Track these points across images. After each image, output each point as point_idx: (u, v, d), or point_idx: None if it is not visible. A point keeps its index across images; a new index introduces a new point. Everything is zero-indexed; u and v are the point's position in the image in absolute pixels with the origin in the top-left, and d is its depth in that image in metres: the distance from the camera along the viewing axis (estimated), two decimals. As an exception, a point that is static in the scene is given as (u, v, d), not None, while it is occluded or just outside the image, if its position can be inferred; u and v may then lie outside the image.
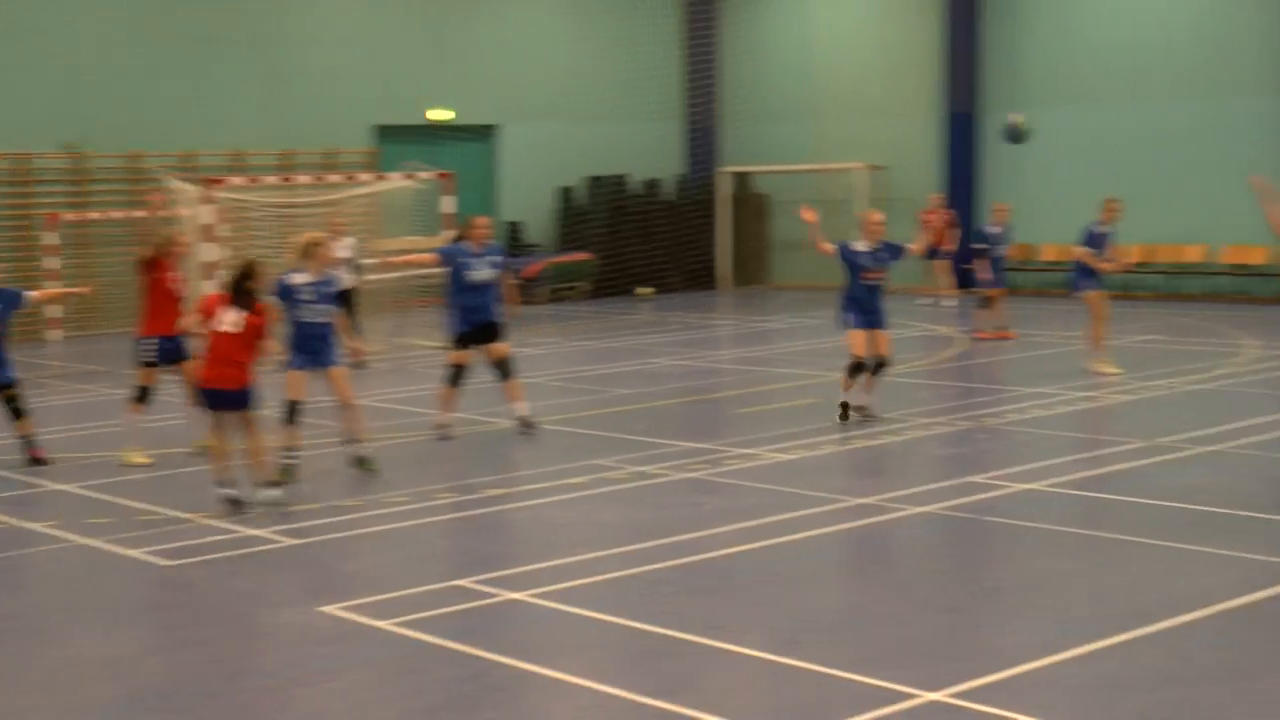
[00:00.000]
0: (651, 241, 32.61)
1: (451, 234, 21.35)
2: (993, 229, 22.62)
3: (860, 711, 6.84)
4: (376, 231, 22.44)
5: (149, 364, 13.62)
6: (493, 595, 8.98)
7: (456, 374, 14.58)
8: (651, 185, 33.15)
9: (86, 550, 10.40)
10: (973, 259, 22.38)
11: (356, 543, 10.58)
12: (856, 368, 14.68)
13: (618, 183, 32.52)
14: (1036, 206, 28.58)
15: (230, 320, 11.34)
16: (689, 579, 9.35)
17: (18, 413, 13.54)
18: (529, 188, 31.81)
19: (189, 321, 12.67)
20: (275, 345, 11.75)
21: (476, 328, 14.59)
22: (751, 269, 34.20)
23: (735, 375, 19.29)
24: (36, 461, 13.45)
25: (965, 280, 24.13)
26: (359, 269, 20.43)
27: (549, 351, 21.15)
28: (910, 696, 7.02)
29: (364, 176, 24.46)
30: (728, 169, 33.90)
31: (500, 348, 14.72)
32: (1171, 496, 11.21)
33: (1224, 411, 14.95)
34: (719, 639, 8.02)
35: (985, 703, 6.92)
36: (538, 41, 31.93)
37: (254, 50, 28.28)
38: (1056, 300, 28.61)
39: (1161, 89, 28.52)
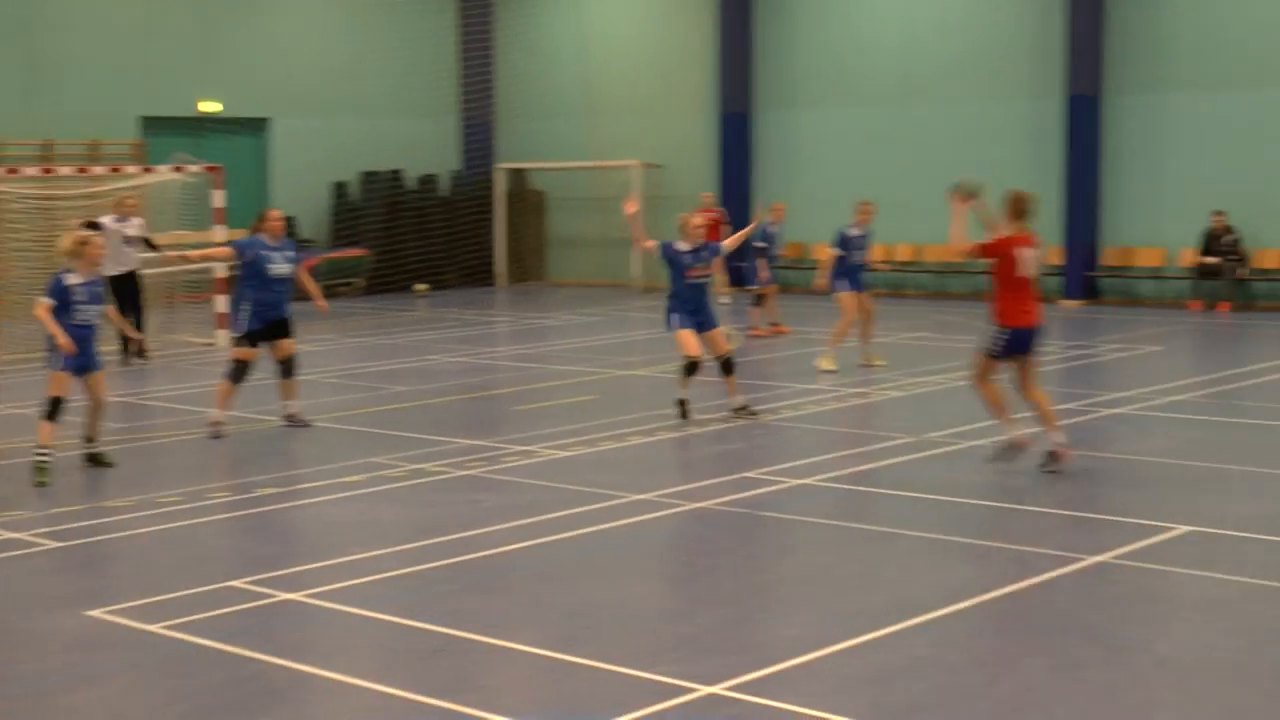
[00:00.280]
0: (428, 238, 32.38)
1: (223, 230, 20.99)
2: (771, 227, 22.96)
3: (638, 706, 6.89)
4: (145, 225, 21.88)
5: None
6: (267, 596, 8.83)
7: (240, 370, 14.32)
8: (427, 181, 32.93)
9: None
10: (755, 257, 22.65)
11: (124, 544, 10.31)
12: (691, 367, 14.56)
13: (393, 178, 32.23)
14: (809, 206, 29.03)
15: None
16: (467, 577, 9.31)
17: None
18: (302, 182, 31.29)
19: None
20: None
21: (269, 324, 14.35)
22: (528, 266, 34.19)
23: (513, 372, 19.26)
24: None
25: (738, 278, 24.45)
26: (153, 247, 19.96)
27: (324, 348, 20.87)
28: (687, 690, 7.09)
29: (130, 169, 23.82)
30: (504, 165, 33.84)
31: (288, 345, 14.50)
32: (939, 490, 11.52)
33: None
34: (497, 636, 8.01)
35: (760, 695, 7.03)
36: (310, 33, 31.44)
37: (12, 35, 27.34)
38: (827, 298, 29.17)
39: (932, 91, 29.23)
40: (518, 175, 34.08)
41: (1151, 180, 26.98)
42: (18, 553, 9.98)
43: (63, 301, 12.01)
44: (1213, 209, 25.84)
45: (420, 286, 31.56)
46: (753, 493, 11.54)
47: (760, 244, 22.52)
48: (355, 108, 31.92)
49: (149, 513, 11.02)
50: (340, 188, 31.80)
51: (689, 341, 14.59)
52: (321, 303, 15.03)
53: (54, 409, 12.08)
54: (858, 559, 9.66)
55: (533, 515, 10.81)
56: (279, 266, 14.32)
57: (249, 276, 14.33)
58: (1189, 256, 26.41)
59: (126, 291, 19.42)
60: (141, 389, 17.43)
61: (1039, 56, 27.90)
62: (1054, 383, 17.64)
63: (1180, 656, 7.59)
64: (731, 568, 9.64)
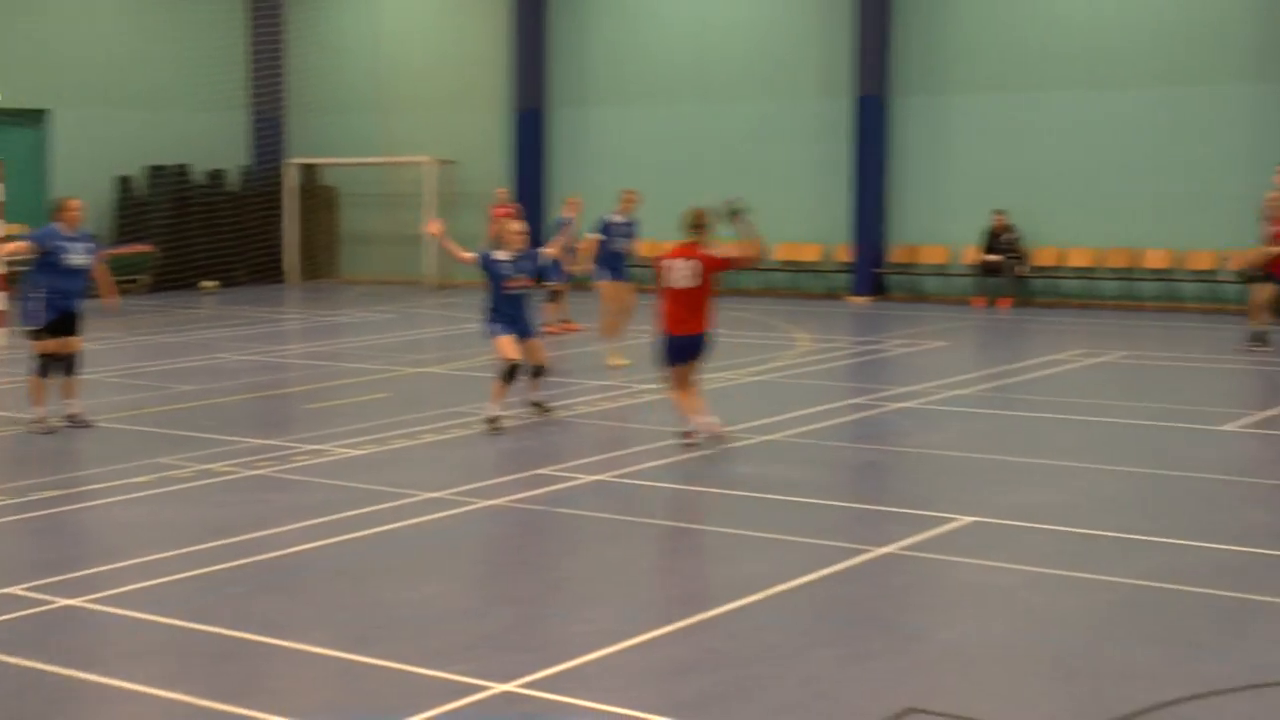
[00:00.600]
0: (216, 234, 31.80)
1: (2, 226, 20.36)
2: (567, 222, 22.92)
3: (433, 705, 6.86)
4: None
5: None
6: (47, 602, 8.58)
7: (46, 365, 13.95)
8: (216, 176, 32.32)
9: None
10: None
11: (-104, 551, 9.94)
12: (510, 372, 14.18)
13: (180, 173, 31.57)
14: (603, 203, 29.07)
15: None
16: (257, 578, 9.17)
17: None
18: (84, 176, 30.36)
19: None
20: None
21: (63, 315, 13.97)
22: (320, 263, 33.78)
23: (304, 370, 19.01)
24: None
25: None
26: None
27: (109, 346, 20.35)
28: (481, 689, 7.07)
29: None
30: (295, 161, 33.38)
31: (75, 342, 14.14)
32: (730, 484, 11.66)
33: (779, 402, 15.64)
34: (288, 638, 7.90)
35: (554, 691, 7.04)
36: (91, 22, 30.62)
37: None
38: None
39: (724, 89, 29.58)
40: (309, 171, 33.64)
41: (936, 180, 27.67)
42: None
43: None
44: (993, 208, 26.58)
45: (208, 283, 30.99)
46: (546, 489, 11.55)
47: (562, 240, 22.50)
48: (140, 100, 31.20)
49: (-77, 518, 10.66)
50: (125, 182, 31.04)
51: (508, 346, 14.25)
52: (113, 298, 14.70)
53: None
54: (650, 554, 9.73)
55: (325, 515, 10.68)
56: (76, 257, 13.95)
57: (44, 266, 13.93)
58: (972, 254, 27.13)
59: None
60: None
61: (828, 57, 28.41)
62: (842, 378, 17.99)
63: (963, 643, 7.79)
64: (525, 565, 9.64)
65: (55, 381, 14.17)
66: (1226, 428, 14.16)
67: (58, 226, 14.06)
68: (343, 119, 33.20)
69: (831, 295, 28.53)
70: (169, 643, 7.96)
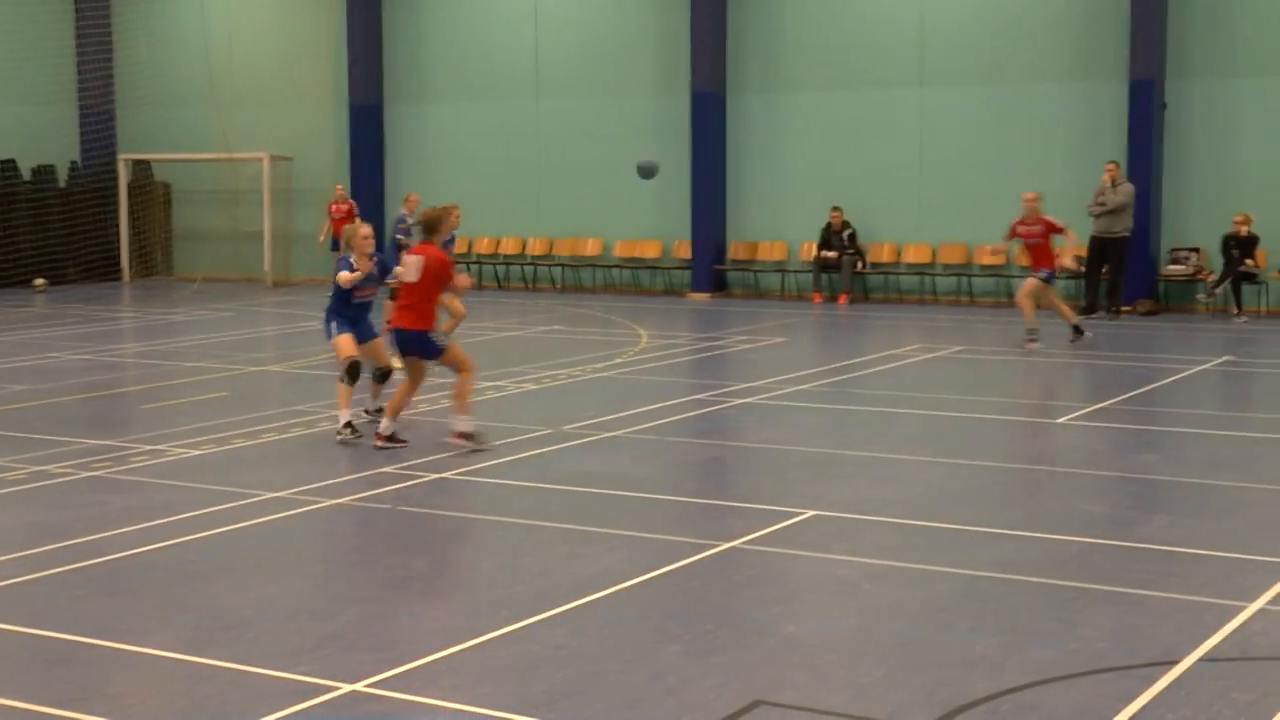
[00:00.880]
0: (45, 231, 31.06)
1: None
2: (409, 218, 22.76)
3: (278, 707, 6.78)
4: None
5: None
6: (-126, 609, 8.33)
7: None
8: (43, 172, 31.56)
9: None
10: (395, 249, 22.40)
11: None
12: (353, 369, 13.58)
13: (6, 168, 30.78)
14: (441, 200, 28.88)
15: None
16: (95, 581, 8.98)
17: None
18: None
19: None
20: None
21: None
22: (154, 260, 33.18)
23: (140, 369, 18.66)
24: None
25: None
26: None
27: (-67, 346, 19.81)
28: (328, 689, 7.00)
29: None
30: (127, 156, 32.73)
31: None
32: (575, 481, 11.67)
33: (621, 398, 15.69)
34: (127, 641, 7.75)
35: (402, 690, 7.00)
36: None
37: None
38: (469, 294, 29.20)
39: (562, 86, 29.59)
40: (141, 166, 33.00)
41: (774, 177, 27.95)
42: None
43: None
44: (831, 205, 26.91)
45: (39, 281, 30.28)
46: (390, 488, 11.47)
47: (399, 236, 22.35)
48: (-39, 93, 30.39)
49: None
50: (-53, 178, 30.21)
51: (347, 345, 13.66)
52: None
53: None
54: (496, 551, 9.71)
55: (164, 516, 10.50)
56: None
57: None
58: (810, 251, 27.44)
59: None
60: None
61: (665, 55, 28.56)
62: (684, 374, 18.10)
63: (807, 636, 7.88)
64: (370, 564, 9.56)
65: None
66: (1060, 420, 14.49)
67: None
68: (175, 114, 32.62)
69: (672, 292, 28.68)
70: (2, 649, 7.75)
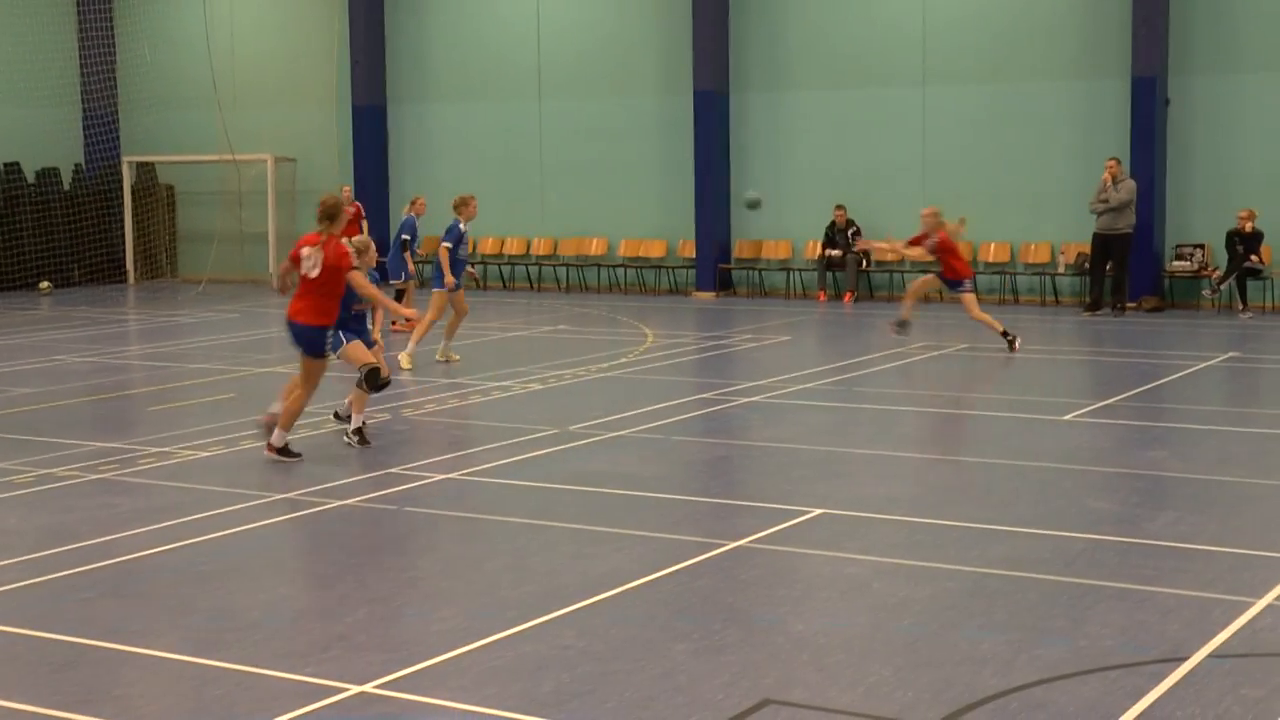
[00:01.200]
0: (50, 234, 31.08)
1: None
2: (415, 221, 22.79)
3: (287, 709, 6.78)
4: None
5: None
6: (-117, 613, 8.34)
7: None
8: (47, 174, 31.57)
9: None
10: (400, 251, 22.40)
11: None
12: (373, 374, 13.24)
13: (11, 172, 30.79)
14: (446, 201, 28.90)
15: None
16: (103, 584, 8.99)
17: None
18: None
19: None
20: None
21: None
22: (159, 262, 33.19)
23: (146, 371, 18.67)
24: None
25: (380, 273, 24.19)
26: None
27: (-62, 350, 19.83)
28: (337, 690, 7.01)
29: None
30: (131, 158, 32.74)
31: None
32: (582, 481, 11.67)
33: (627, 398, 15.68)
34: (136, 643, 7.76)
35: (411, 691, 7.00)
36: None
37: None
38: (474, 294, 29.22)
39: (566, 86, 29.59)
40: (145, 169, 33.02)
41: (778, 175, 27.93)
42: None
43: None
44: (835, 203, 26.91)
45: (44, 284, 30.30)
46: (398, 489, 11.48)
47: (405, 237, 22.38)
48: (-34, 97, 30.41)
49: None
50: (-49, 181, 30.24)
51: (363, 351, 13.42)
52: None
53: None
54: (504, 552, 9.71)
55: (171, 518, 10.51)
56: None
57: None
58: (814, 249, 27.43)
59: None
60: None
61: (668, 54, 28.55)
62: (689, 373, 18.10)
63: (815, 634, 7.88)
64: (378, 565, 9.57)
65: None
66: (1066, 417, 14.48)
67: None
68: (179, 116, 32.62)
69: (677, 291, 28.68)
70: (9, 652, 7.76)
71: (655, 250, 29.00)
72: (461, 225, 18.59)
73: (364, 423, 13.34)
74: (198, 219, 33.18)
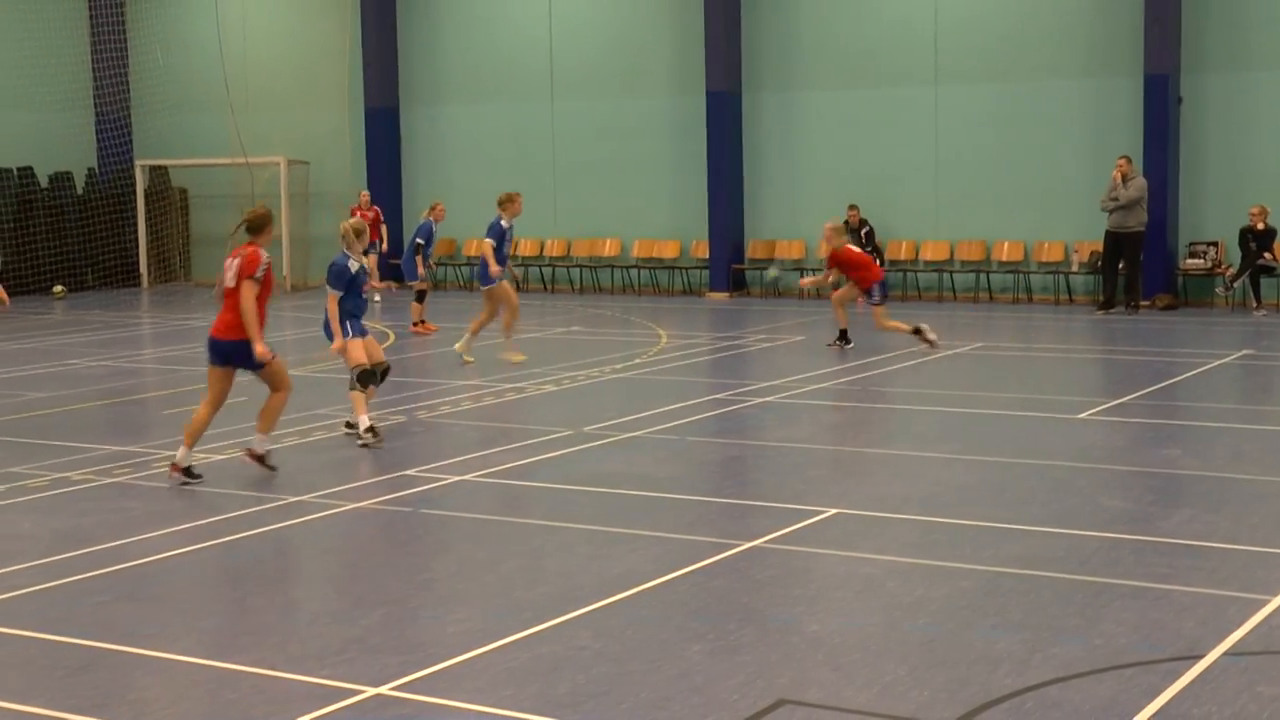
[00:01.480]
0: (63, 238, 31.15)
1: None
2: (433, 226, 22.82)
3: (303, 711, 6.78)
4: None
5: None
6: (-100, 617, 8.36)
7: None
8: (61, 179, 31.63)
9: None
10: (415, 254, 22.43)
11: None
12: (367, 375, 13.55)
13: (25, 176, 30.86)
14: (458, 201, 28.97)
15: None
16: (118, 587, 9.00)
17: None
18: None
19: None
20: None
21: None
22: (172, 266, 33.25)
23: (159, 375, 18.70)
24: None
25: (396, 275, 24.30)
26: None
27: (-47, 354, 19.88)
28: (354, 692, 7.01)
29: None
30: (144, 162, 32.79)
31: None
32: (597, 482, 11.67)
33: (641, 398, 15.68)
34: (151, 647, 7.77)
35: (427, 693, 7.01)
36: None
37: None
38: (478, 294, 29.23)
39: (578, 87, 29.59)
40: (158, 172, 33.07)
41: (791, 175, 27.92)
42: None
43: None
44: (848, 202, 26.88)
45: (58, 289, 30.36)
46: (412, 490, 11.49)
47: (419, 240, 22.43)
48: (-20, 102, 30.47)
49: None
50: (-35, 186, 30.29)
51: (361, 351, 13.61)
52: None
53: None
54: (519, 553, 9.71)
55: (186, 521, 10.52)
56: None
57: None
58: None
59: None
60: None
61: (680, 54, 28.55)
62: (703, 374, 18.10)
63: (832, 634, 7.87)
64: (394, 567, 9.58)
65: None
66: (1080, 416, 14.46)
67: None
68: (191, 119, 32.67)
69: (690, 291, 28.67)
70: (24, 656, 7.77)
71: (668, 251, 29.00)
72: (504, 222, 18.63)
73: (372, 421, 13.34)
74: (211, 222, 33.20)
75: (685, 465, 12.58)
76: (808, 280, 20.68)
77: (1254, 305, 23.65)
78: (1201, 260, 24.75)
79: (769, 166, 28.07)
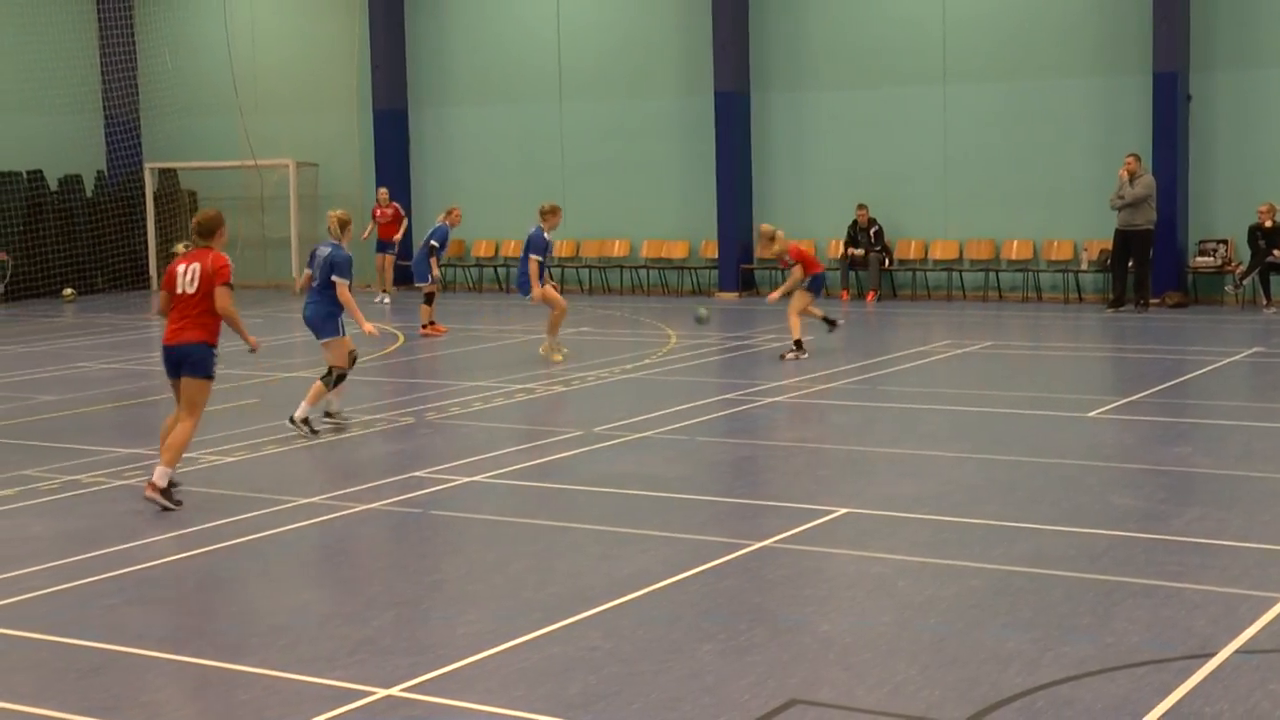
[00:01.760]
0: (73, 241, 31.19)
1: None
2: (449, 230, 22.83)
3: (315, 713, 6.79)
4: None
5: None
6: (-88, 620, 8.38)
7: None
8: (70, 182, 31.66)
9: None
10: (428, 256, 22.43)
11: None
12: (341, 378, 14.07)
13: (34, 179, 30.89)
14: (467, 204, 28.95)
15: None
16: (129, 590, 9.01)
17: None
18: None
19: None
20: None
21: None
22: (181, 268, 33.23)
23: (169, 377, 18.68)
24: None
25: (406, 277, 24.32)
26: None
27: (-36, 358, 19.91)
28: (364, 694, 7.02)
29: None
30: (153, 165, 32.82)
31: None
32: (607, 482, 11.67)
33: (652, 399, 15.68)
34: (162, 649, 7.78)
35: (438, 694, 7.01)
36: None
37: None
38: (489, 295, 29.27)
39: (587, 88, 29.58)
40: (167, 175, 33.09)
41: (799, 175, 27.90)
42: None
43: None
44: (856, 202, 26.86)
45: (67, 291, 30.40)
46: (422, 492, 11.49)
47: (433, 243, 22.45)
48: (-10, 105, 30.51)
49: None
50: (-26, 189, 30.32)
51: (341, 353, 14.07)
52: None
53: None
54: (529, 554, 9.71)
55: (196, 523, 10.53)
56: None
57: None
58: (836, 248, 27.38)
59: None
60: None
61: (688, 55, 28.54)
62: (713, 374, 18.10)
63: (843, 634, 7.87)
64: (404, 568, 9.58)
65: None
66: (1090, 414, 14.44)
67: None
68: (200, 122, 32.69)
69: (699, 292, 28.64)
70: (36, 658, 7.79)
71: (677, 251, 28.99)
72: (546, 234, 18.69)
73: (310, 415, 13.79)
74: (220, 225, 33.21)
75: (695, 465, 12.57)
76: (775, 294, 20.15)
77: (1264, 302, 23.61)
78: (1211, 258, 24.70)
79: (778, 166, 28.06)
